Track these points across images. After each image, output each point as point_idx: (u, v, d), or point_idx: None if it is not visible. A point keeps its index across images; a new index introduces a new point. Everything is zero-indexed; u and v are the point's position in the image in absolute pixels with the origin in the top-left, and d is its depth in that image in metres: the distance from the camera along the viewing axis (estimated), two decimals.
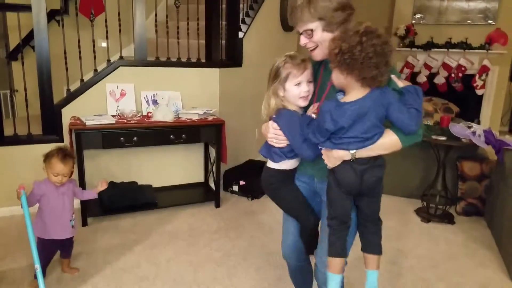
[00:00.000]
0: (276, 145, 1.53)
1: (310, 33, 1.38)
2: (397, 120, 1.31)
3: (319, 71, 1.51)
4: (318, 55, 1.43)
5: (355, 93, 1.29)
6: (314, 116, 1.43)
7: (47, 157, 2.04)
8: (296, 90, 1.45)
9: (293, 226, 1.69)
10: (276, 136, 1.50)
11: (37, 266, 1.84)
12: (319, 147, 1.41)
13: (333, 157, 1.36)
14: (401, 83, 1.37)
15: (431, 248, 2.71)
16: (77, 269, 2.28)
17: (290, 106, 1.49)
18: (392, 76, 1.37)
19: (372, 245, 1.48)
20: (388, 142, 1.33)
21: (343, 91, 1.35)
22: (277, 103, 1.49)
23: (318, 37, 1.38)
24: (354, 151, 1.32)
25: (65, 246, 2.20)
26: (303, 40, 1.42)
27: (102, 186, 2.25)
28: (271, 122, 1.52)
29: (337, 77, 1.32)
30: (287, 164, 1.59)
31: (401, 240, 2.78)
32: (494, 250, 2.70)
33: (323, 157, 1.40)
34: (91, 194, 2.29)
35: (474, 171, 3.18)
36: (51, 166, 2.01)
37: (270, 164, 1.61)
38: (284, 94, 1.47)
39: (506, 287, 2.28)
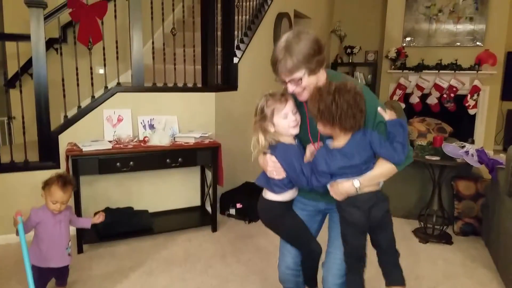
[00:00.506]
0: (277, 177, 1.57)
1: (298, 81, 1.43)
2: (383, 154, 1.46)
3: (303, 106, 1.56)
4: (305, 97, 1.49)
5: (340, 139, 1.46)
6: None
7: (47, 184, 2.02)
8: (285, 122, 1.53)
9: (291, 248, 1.69)
10: (275, 168, 1.55)
11: None
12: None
13: (340, 192, 1.47)
14: (387, 115, 1.48)
15: (430, 268, 2.70)
16: None
17: (283, 138, 1.55)
18: (379, 108, 1.48)
19: (396, 278, 1.58)
20: (385, 170, 1.47)
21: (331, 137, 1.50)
22: (268, 138, 1.56)
23: (306, 83, 1.44)
24: (358, 184, 1.45)
25: (61, 274, 2.16)
26: (291, 87, 1.47)
27: (99, 219, 2.22)
28: (268, 155, 1.56)
29: (322, 129, 1.47)
30: (288, 195, 1.64)
31: (400, 261, 2.75)
32: (492, 269, 2.69)
33: (331, 193, 1.50)
34: (85, 222, 2.26)
35: (469, 190, 3.20)
36: (51, 193, 1.99)
37: (270, 196, 1.64)
38: (274, 129, 1.54)
39: None
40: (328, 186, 1.51)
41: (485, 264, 2.76)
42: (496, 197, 2.79)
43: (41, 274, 2.04)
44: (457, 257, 2.87)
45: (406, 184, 3.43)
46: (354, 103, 1.39)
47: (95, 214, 2.25)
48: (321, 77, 1.49)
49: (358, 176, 1.46)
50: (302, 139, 1.62)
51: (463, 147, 3.05)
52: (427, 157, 3.01)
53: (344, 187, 1.46)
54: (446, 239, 3.09)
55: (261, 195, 1.70)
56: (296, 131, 1.55)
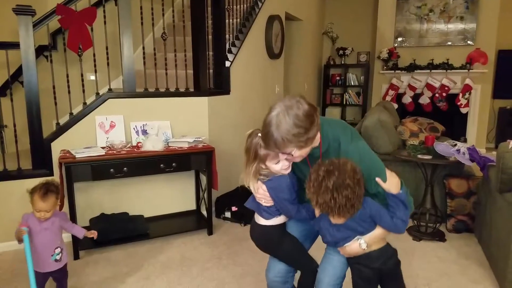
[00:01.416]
0: (265, 204, 1.60)
1: (288, 154, 1.42)
2: (384, 227, 1.50)
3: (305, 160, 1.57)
4: (297, 161, 1.49)
5: (340, 219, 1.49)
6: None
7: (31, 193, 2.05)
8: (277, 167, 1.52)
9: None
10: (264, 196, 1.58)
11: None
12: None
13: (349, 253, 1.54)
14: (385, 185, 1.47)
15: (423, 266, 2.72)
16: None
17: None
18: (377, 179, 1.47)
19: None
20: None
21: None
22: (260, 173, 1.57)
23: (297, 154, 1.41)
24: (365, 245, 1.49)
25: (56, 278, 2.19)
26: (282, 157, 1.46)
27: (91, 235, 2.23)
28: (259, 183, 1.58)
29: (320, 212, 1.51)
30: (280, 219, 1.65)
31: None
32: (485, 266, 2.71)
33: (341, 253, 1.57)
34: (79, 232, 2.24)
35: (461, 188, 3.23)
36: (33, 202, 2.03)
37: (262, 221, 1.65)
38: (266, 170, 1.55)
39: None
40: (338, 249, 1.57)
41: (478, 261, 2.78)
42: (488, 195, 2.82)
43: (37, 276, 2.08)
44: (450, 254, 2.89)
45: None
46: (353, 196, 1.39)
47: (90, 224, 2.27)
48: (316, 141, 1.45)
49: (362, 234, 1.51)
50: (299, 176, 1.63)
51: (454, 145, 3.08)
52: (419, 156, 3.04)
53: (353, 250, 1.52)
54: (439, 237, 3.11)
55: (253, 220, 1.71)
56: (287, 172, 1.55)
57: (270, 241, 1.68)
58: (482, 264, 2.74)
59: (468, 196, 3.21)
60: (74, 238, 2.78)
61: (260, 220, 1.66)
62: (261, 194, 1.57)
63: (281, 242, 1.67)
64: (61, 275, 2.19)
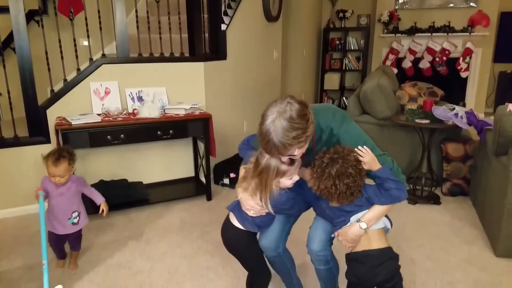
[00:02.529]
0: (251, 214, 1.62)
1: (291, 154, 1.40)
2: (385, 203, 1.49)
3: None
4: (298, 157, 1.47)
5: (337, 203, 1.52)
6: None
7: (45, 158, 2.10)
8: (289, 182, 1.53)
9: (276, 220, 1.75)
10: (253, 208, 1.59)
11: (44, 262, 1.93)
12: (332, 235, 1.64)
13: (350, 237, 1.51)
14: (365, 157, 1.46)
15: (418, 228, 2.78)
16: (76, 266, 2.33)
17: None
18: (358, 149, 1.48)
19: None
20: (386, 206, 1.50)
21: None
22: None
23: (299, 152, 1.41)
24: (364, 225, 1.48)
25: (71, 239, 2.28)
26: (285, 158, 1.44)
27: (105, 209, 2.29)
28: (246, 195, 1.58)
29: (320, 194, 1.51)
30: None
31: None
32: (479, 227, 2.77)
33: (343, 242, 1.55)
34: (98, 198, 2.29)
35: (458, 152, 3.24)
36: (47, 167, 2.08)
37: (237, 224, 1.67)
38: (276, 184, 1.52)
39: (491, 262, 2.35)
40: (336, 236, 1.57)
41: (471, 223, 2.84)
42: (484, 158, 2.83)
43: (52, 238, 2.21)
44: (444, 217, 2.95)
45: (396, 148, 3.47)
46: (354, 185, 1.42)
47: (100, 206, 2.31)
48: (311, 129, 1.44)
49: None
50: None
51: (453, 109, 3.06)
52: (417, 120, 3.03)
53: (353, 232, 1.50)
54: (434, 200, 3.16)
55: (228, 219, 1.72)
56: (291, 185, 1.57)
57: (239, 244, 1.71)
58: (476, 226, 2.79)
59: (465, 160, 3.23)
60: None
61: (235, 222, 1.67)
62: (250, 206, 1.59)
63: (249, 249, 1.72)
64: (74, 237, 2.28)
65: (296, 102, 1.36)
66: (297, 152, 1.40)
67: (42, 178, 2.17)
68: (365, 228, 1.49)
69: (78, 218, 2.21)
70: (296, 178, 1.53)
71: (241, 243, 1.70)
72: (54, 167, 2.05)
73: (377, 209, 1.50)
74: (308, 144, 1.44)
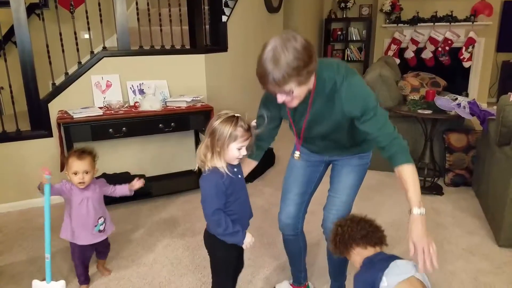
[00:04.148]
0: None
1: (288, 92, 1.34)
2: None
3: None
4: (295, 103, 1.42)
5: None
6: None
7: (66, 160, 1.93)
8: (237, 152, 1.45)
9: (295, 194, 1.77)
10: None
11: (48, 256, 1.88)
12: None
13: (425, 234, 1.37)
14: None
15: None
16: (110, 271, 2.22)
17: (218, 163, 1.45)
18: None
19: None
20: (415, 180, 1.42)
21: None
22: (208, 158, 1.46)
23: (297, 93, 1.35)
24: (423, 209, 1.38)
25: (99, 249, 2.11)
26: (281, 98, 1.37)
27: (139, 184, 2.09)
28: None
29: None
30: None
31: (392, 213, 2.84)
32: (481, 218, 2.77)
33: (423, 251, 1.35)
34: (124, 189, 2.09)
35: (460, 143, 3.23)
36: (70, 166, 1.89)
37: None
38: (220, 150, 1.43)
39: (493, 252, 2.36)
40: (413, 253, 1.36)
41: (474, 213, 2.84)
42: (487, 148, 2.83)
43: (76, 250, 2.00)
44: (447, 207, 2.95)
45: None
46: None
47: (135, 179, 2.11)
48: (311, 81, 1.41)
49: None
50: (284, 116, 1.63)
51: (455, 99, 3.05)
52: (419, 111, 3.02)
53: (423, 227, 1.35)
54: (437, 190, 3.16)
55: None
56: (236, 163, 1.50)
57: (213, 243, 1.58)
58: (478, 216, 2.80)
59: (467, 150, 3.22)
60: None
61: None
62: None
63: (220, 253, 1.61)
64: (103, 245, 2.10)
65: (301, 37, 1.31)
66: (296, 92, 1.33)
67: (59, 184, 1.93)
68: (424, 212, 1.36)
69: (104, 224, 2.02)
70: (243, 152, 1.46)
71: (214, 242, 1.56)
72: (78, 160, 1.86)
73: (413, 184, 1.39)
74: (305, 94, 1.40)
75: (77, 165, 1.87)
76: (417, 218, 1.35)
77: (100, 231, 2.00)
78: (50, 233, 1.89)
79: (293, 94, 1.35)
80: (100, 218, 2.00)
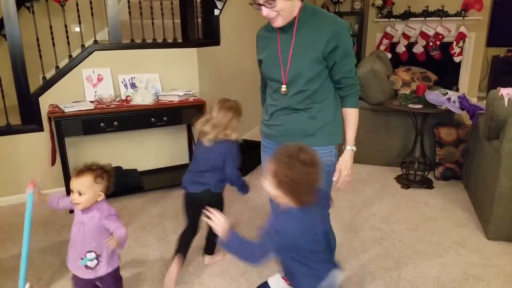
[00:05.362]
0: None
1: (271, 2, 1.43)
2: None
3: (276, 37, 1.58)
4: (279, 22, 1.50)
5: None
6: None
7: None
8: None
9: None
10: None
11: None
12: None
13: (349, 167, 1.67)
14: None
15: (411, 212, 2.82)
16: None
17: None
18: None
19: None
20: (355, 121, 1.66)
21: None
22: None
23: (280, 6, 1.44)
24: (354, 147, 1.67)
25: (103, 285, 1.68)
26: (265, 11, 1.46)
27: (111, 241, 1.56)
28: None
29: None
30: None
31: (383, 206, 2.88)
32: (471, 211, 2.82)
33: (344, 178, 1.66)
34: (121, 234, 1.57)
35: (450, 137, 3.27)
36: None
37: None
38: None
39: (482, 245, 2.40)
40: (337, 177, 1.64)
41: (463, 206, 2.89)
42: (476, 142, 2.87)
43: (74, 280, 1.67)
44: (437, 201, 2.99)
45: (389, 133, 3.50)
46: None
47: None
48: (296, 3, 1.50)
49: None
50: (271, 78, 1.65)
51: (445, 94, 3.08)
52: (410, 105, 3.04)
53: (349, 160, 1.65)
54: (427, 184, 3.20)
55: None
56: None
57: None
58: (468, 209, 2.84)
59: (457, 144, 3.27)
60: (65, 178, 2.77)
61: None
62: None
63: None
64: (107, 282, 1.67)
65: None
66: (278, 3, 1.42)
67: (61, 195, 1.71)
68: (354, 149, 1.66)
69: (95, 261, 1.60)
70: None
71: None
72: (74, 178, 1.55)
73: (354, 125, 1.65)
74: (289, 19, 1.50)
75: (72, 182, 1.56)
76: (349, 152, 1.65)
77: (86, 267, 1.60)
78: (27, 256, 1.58)
79: (276, 6, 1.43)
80: (89, 252, 1.59)
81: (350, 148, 1.65)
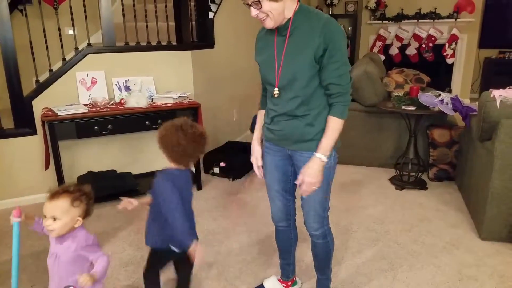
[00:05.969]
0: None
1: (258, 3, 1.42)
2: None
3: (273, 39, 1.57)
4: (269, 24, 1.48)
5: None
6: None
7: None
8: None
9: (277, 192, 1.79)
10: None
11: None
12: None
13: (314, 175, 1.53)
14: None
15: (405, 213, 2.83)
16: None
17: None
18: None
19: None
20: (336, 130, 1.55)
21: None
22: None
23: (267, 8, 1.43)
24: (325, 157, 1.53)
25: None
26: (254, 12, 1.46)
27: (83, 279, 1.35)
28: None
29: None
30: None
31: (377, 208, 2.89)
32: (464, 211, 2.84)
33: (307, 186, 1.56)
34: (103, 265, 1.44)
35: (444, 138, 3.30)
36: None
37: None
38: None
39: (476, 245, 2.42)
40: (300, 182, 1.56)
41: (457, 207, 2.91)
42: (469, 143, 2.89)
43: None
44: (431, 202, 3.01)
45: (382, 135, 3.52)
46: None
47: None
48: (290, 5, 1.47)
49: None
50: (267, 81, 1.65)
51: (438, 96, 3.11)
52: (403, 107, 3.07)
53: (315, 169, 1.53)
54: (421, 185, 3.22)
55: None
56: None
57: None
58: (461, 210, 2.86)
59: (450, 145, 3.29)
60: (59, 181, 2.76)
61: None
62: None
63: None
64: None
65: None
66: (264, 5, 1.41)
67: (38, 218, 1.49)
68: (326, 160, 1.53)
69: None
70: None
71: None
72: (48, 201, 1.37)
73: (330, 134, 1.52)
74: (283, 22, 1.49)
75: (46, 205, 1.37)
76: (316, 159, 1.53)
77: None
78: (17, 270, 1.47)
79: (262, 7, 1.42)
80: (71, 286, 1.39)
81: (318, 156, 1.52)
